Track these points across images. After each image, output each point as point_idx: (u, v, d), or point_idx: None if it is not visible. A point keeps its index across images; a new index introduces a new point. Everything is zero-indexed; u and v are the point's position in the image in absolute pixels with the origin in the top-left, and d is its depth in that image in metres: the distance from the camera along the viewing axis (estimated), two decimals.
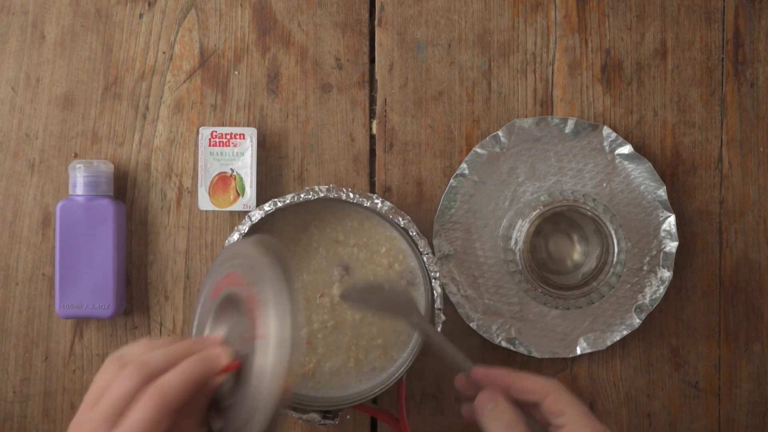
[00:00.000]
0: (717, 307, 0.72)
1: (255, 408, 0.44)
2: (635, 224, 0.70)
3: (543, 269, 0.68)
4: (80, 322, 0.70)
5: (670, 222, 0.69)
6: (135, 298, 0.71)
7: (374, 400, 0.70)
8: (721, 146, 0.72)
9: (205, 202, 0.69)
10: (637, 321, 0.69)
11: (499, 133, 0.70)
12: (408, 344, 0.66)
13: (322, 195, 0.64)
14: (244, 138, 0.69)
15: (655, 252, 0.70)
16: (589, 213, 0.65)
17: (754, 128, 0.72)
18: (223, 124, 0.71)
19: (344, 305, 0.65)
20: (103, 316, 0.67)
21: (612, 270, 0.65)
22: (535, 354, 0.69)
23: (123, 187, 0.71)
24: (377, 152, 0.71)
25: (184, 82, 0.71)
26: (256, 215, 0.64)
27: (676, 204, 0.71)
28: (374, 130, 0.72)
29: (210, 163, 0.69)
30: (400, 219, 0.64)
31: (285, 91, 0.71)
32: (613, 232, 0.65)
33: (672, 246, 0.69)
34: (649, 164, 0.69)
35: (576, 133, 0.70)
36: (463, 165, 0.69)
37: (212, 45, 0.71)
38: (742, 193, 0.72)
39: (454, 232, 0.70)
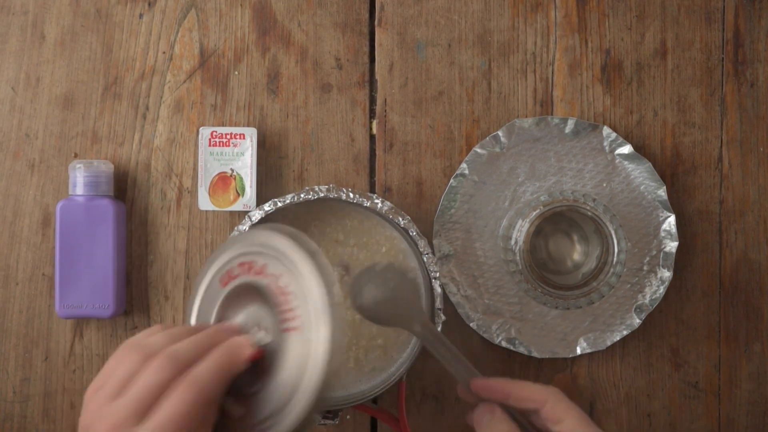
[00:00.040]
0: (717, 307, 0.72)
1: (292, 401, 0.44)
2: (635, 224, 0.70)
3: (543, 269, 0.68)
4: (80, 322, 0.70)
5: (670, 222, 0.69)
6: (135, 298, 0.71)
7: (374, 400, 0.70)
8: (721, 146, 0.72)
9: (205, 202, 0.69)
10: (637, 321, 0.69)
11: (499, 133, 0.70)
12: (408, 344, 0.66)
13: (322, 195, 0.64)
14: (244, 138, 0.69)
15: (655, 252, 0.70)
16: (589, 213, 0.65)
17: (754, 128, 0.72)
18: (223, 124, 0.71)
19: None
20: (103, 316, 0.67)
21: (612, 270, 0.65)
22: (535, 354, 0.69)
23: (123, 187, 0.71)
24: (377, 152, 0.71)
25: (184, 82, 0.71)
26: (256, 215, 0.64)
27: (676, 204, 0.71)
28: (374, 130, 0.72)
29: (210, 163, 0.69)
30: (400, 219, 0.64)
31: (285, 91, 0.71)
32: (613, 232, 0.65)
33: (672, 246, 0.69)
34: (649, 164, 0.69)
35: (576, 133, 0.70)
36: (463, 165, 0.69)
37: (212, 45, 0.71)
38: (742, 193, 0.72)
39: (454, 232, 0.70)
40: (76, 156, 0.71)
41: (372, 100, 0.72)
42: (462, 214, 0.70)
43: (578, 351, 0.70)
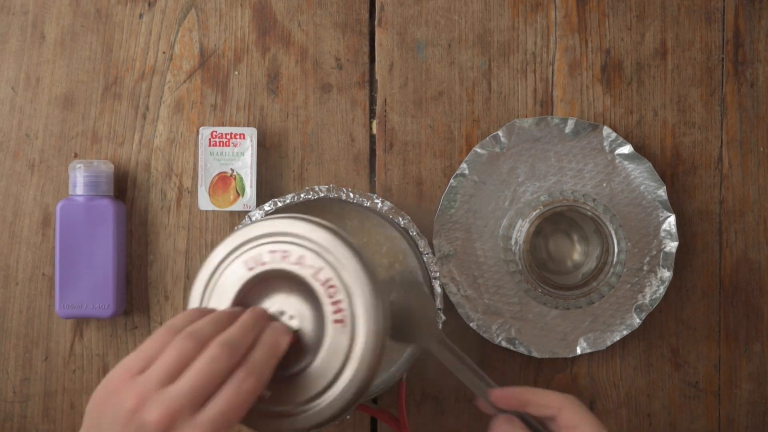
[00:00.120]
0: (717, 307, 0.72)
1: (331, 390, 0.47)
2: (635, 224, 0.70)
3: (543, 269, 0.68)
4: (80, 322, 0.70)
5: (670, 222, 0.69)
6: (135, 298, 0.71)
7: (374, 400, 0.70)
8: (721, 146, 0.72)
9: (205, 202, 0.69)
10: (637, 321, 0.69)
11: (499, 133, 0.70)
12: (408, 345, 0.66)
13: (322, 195, 0.64)
14: (244, 138, 0.69)
15: (655, 252, 0.70)
16: (589, 213, 0.65)
17: (754, 128, 0.72)
18: (223, 124, 0.71)
19: None
20: (103, 316, 0.67)
21: (612, 270, 0.65)
22: (535, 354, 0.69)
23: (123, 187, 0.71)
24: (377, 152, 0.71)
25: (184, 82, 0.71)
26: (256, 215, 0.64)
27: (676, 204, 0.71)
28: (374, 130, 0.72)
29: (210, 163, 0.69)
30: (400, 219, 0.64)
31: (285, 91, 0.71)
32: (613, 232, 0.65)
33: (672, 246, 0.69)
34: (649, 164, 0.69)
35: (576, 133, 0.70)
36: (463, 165, 0.69)
37: (212, 45, 0.71)
38: (742, 193, 0.72)
39: (454, 232, 0.70)
40: (76, 156, 0.70)
41: (372, 100, 0.72)
42: (462, 214, 0.70)
43: (578, 351, 0.70)
